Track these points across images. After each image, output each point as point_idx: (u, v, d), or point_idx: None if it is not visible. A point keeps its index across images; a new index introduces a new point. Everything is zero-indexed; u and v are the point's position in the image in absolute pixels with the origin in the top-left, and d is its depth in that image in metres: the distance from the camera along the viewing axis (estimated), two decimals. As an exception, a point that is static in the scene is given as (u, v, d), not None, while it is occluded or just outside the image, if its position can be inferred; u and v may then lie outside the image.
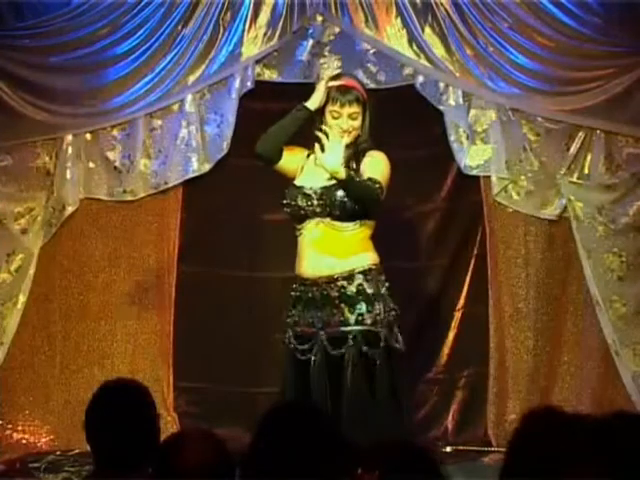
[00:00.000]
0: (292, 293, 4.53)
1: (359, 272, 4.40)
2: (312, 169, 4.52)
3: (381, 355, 4.35)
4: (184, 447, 2.51)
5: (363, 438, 3.68)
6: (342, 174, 4.26)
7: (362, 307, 4.37)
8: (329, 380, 4.34)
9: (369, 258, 4.46)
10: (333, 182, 4.37)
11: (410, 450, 2.00)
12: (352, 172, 4.36)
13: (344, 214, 4.40)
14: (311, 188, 4.44)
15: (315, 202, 4.42)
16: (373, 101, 4.59)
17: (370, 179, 4.37)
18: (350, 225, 4.43)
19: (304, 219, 4.45)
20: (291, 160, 4.56)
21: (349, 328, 4.36)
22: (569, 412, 1.89)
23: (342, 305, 4.38)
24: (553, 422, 1.86)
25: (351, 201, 4.36)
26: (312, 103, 4.47)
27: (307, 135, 4.57)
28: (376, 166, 4.46)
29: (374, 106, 4.57)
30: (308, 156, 4.57)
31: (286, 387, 4.48)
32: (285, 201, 4.48)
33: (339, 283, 4.38)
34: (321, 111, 4.51)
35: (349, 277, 4.39)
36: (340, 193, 4.37)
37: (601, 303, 5.64)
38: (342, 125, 4.46)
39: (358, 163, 4.48)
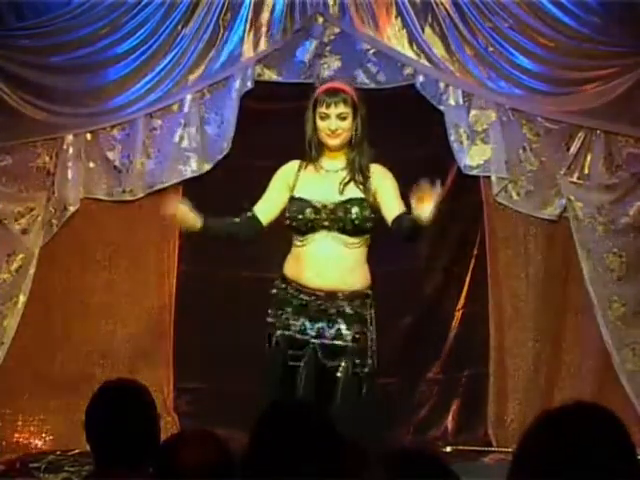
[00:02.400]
0: (277, 292, 4.49)
1: (358, 295, 4.42)
2: (312, 180, 4.50)
3: (369, 374, 4.39)
4: (184, 447, 2.51)
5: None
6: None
7: (357, 327, 4.39)
8: (316, 389, 4.34)
9: (367, 281, 4.47)
10: (346, 197, 4.39)
11: (424, 457, 2.00)
12: (362, 186, 4.40)
13: (356, 230, 4.39)
14: (319, 202, 4.41)
15: (324, 216, 4.39)
16: (365, 105, 4.53)
17: (404, 213, 4.33)
18: (356, 240, 4.41)
19: (308, 232, 4.42)
20: (275, 206, 4.54)
21: (344, 343, 4.37)
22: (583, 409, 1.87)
23: (339, 320, 4.39)
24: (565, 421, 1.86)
25: (364, 219, 4.37)
26: (195, 222, 4.49)
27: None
28: (393, 192, 4.43)
29: (366, 110, 4.51)
30: (299, 167, 4.53)
31: (270, 391, 4.43)
32: (290, 214, 4.44)
33: (338, 302, 4.39)
34: (313, 114, 4.49)
35: (349, 297, 4.40)
36: (356, 210, 4.37)
37: (596, 303, 5.63)
38: (330, 126, 4.44)
39: (362, 173, 4.45)
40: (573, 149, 5.72)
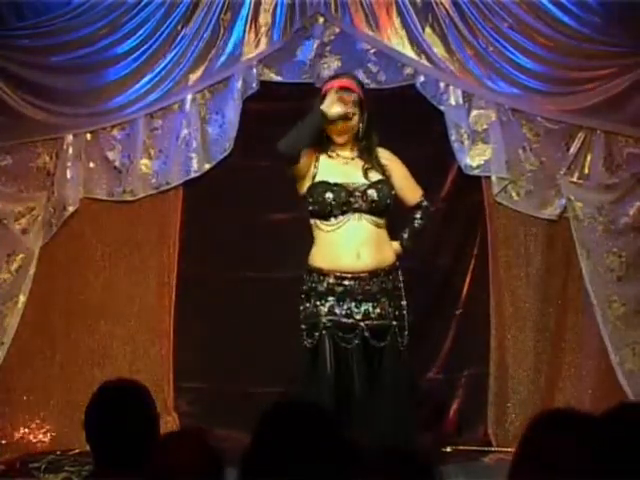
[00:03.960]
0: (314, 287, 4.56)
1: (394, 268, 4.63)
2: (334, 166, 4.64)
3: (406, 348, 4.61)
4: (166, 448, 2.51)
5: (403, 423, 4.40)
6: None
7: (398, 302, 4.60)
8: (367, 369, 4.50)
9: (394, 255, 4.68)
10: (374, 180, 4.60)
11: (413, 461, 2.00)
12: (381, 170, 4.63)
13: (385, 209, 4.61)
14: (349, 184, 4.57)
15: (357, 198, 4.55)
16: (370, 99, 4.69)
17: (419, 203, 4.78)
18: (381, 220, 4.62)
19: (339, 215, 4.54)
20: (305, 162, 4.63)
21: (388, 322, 4.55)
22: (580, 412, 1.88)
23: (383, 299, 4.56)
24: (564, 422, 1.86)
25: (392, 198, 4.62)
26: (327, 106, 4.54)
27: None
28: (406, 173, 4.75)
29: (372, 103, 4.68)
30: (317, 156, 4.66)
31: (316, 382, 4.48)
32: (323, 199, 4.55)
33: (381, 278, 4.56)
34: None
35: (388, 272, 4.59)
36: (386, 190, 4.60)
37: (596, 303, 5.63)
38: (337, 126, 4.60)
39: (377, 162, 4.65)
40: (573, 149, 5.71)
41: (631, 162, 5.67)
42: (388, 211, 4.63)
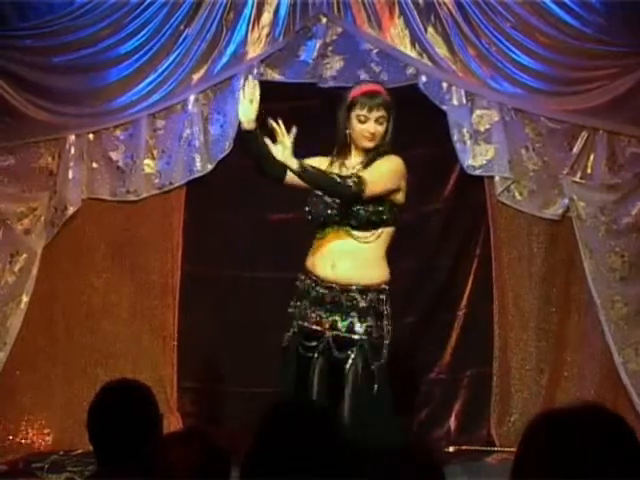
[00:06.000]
0: (298, 284, 4.51)
1: (373, 289, 4.41)
2: None
3: (381, 369, 4.37)
4: (169, 447, 2.51)
5: (363, 440, 3.93)
6: (294, 165, 4.19)
7: (371, 320, 4.38)
8: (329, 381, 4.36)
9: (383, 276, 4.46)
10: None
11: (419, 457, 2.00)
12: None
13: (360, 223, 4.39)
14: (329, 198, 4.41)
15: (335, 211, 4.40)
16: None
17: (348, 176, 4.33)
18: (368, 235, 4.40)
19: (324, 226, 4.44)
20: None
21: (357, 336, 4.36)
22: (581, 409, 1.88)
23: (352, 314, 4.38)
24: (566, 421, 1.86)
25: (365, 211, 4.36)
26: (247, 123, 4.35)
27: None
28: (377, 167, 4.42)
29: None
30: (331, 163, 4.52)
31: (284, 383, 4.44)
32: (308, 209, 4.48)
33: (352, 294, 4.39)
34: (347, 115, 4.45)
35: (363, 291, 4.39)
36: (361, 204, 4.35)
37: (599, 303, 5.63)
38: (369, 129, 4.42)
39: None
40: (576, 149, 5.71)
41: (634, 162, 5.67)
42: (373, 226, 4.40)
